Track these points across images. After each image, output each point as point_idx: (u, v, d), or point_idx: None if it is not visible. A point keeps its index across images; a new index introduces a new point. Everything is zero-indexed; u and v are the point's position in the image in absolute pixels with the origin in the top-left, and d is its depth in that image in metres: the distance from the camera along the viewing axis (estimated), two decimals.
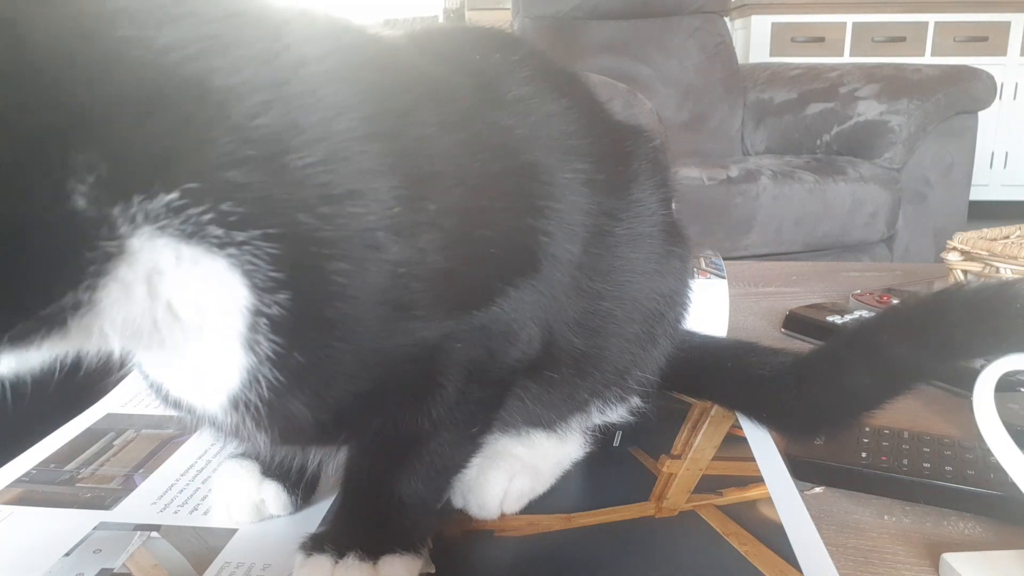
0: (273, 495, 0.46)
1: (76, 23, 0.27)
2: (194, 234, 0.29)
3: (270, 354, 0.32)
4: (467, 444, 0.43)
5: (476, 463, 0.47)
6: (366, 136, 0.32)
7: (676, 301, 0.53)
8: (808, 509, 0.47)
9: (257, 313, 0.31)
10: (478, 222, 0.36)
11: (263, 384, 0.33)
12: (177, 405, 0.39)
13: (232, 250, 0.30)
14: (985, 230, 0.79)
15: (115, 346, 0.32)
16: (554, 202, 0.41)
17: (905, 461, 0.49)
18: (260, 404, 0.34)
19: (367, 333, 0.34)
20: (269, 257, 0.30)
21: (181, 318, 0.31)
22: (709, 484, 0.50)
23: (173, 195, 0.28)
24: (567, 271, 0.43)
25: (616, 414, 0.55)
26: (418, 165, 0.34)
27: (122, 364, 0.35)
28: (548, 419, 0.49)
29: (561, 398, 0.48)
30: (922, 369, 0.48)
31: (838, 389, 0.51)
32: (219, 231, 0.29)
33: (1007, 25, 3.49)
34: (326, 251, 0.31)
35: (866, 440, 0.52)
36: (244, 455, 0.48)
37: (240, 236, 0.29)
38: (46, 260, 0.27)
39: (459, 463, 0.43)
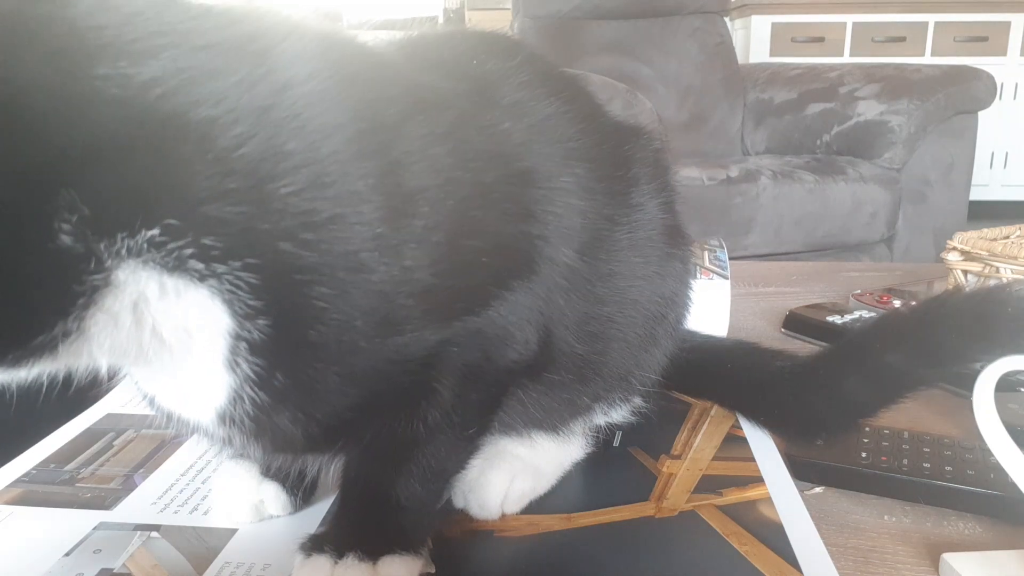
0: (272, 495, 0.46)
1: (56, 63, 0.26)
2: (176, 267, 0.29)
3: (251, 375, 0.33)
4: (465, 446, 0.43)
5: (477, 463, 0.47)
6: (352, 157, 0.32)
7: (677, 302, 0.53)
8: (808, 509, 0.47)
9: (237, 337, 0.32)
10: (469, 232, 0.36)
11: (247, 402, 0.34)
12: (169, 417, 0.39)
13: (213, 281, 0.30)
14: (985, 230, 0.79)
15: (103, 364, 0.32)
16: (550, 206, 0.41)
17: (905, 461, 0.49)
18: (247, 419, 0.34)
19: (353, 353, 0.33)
20: (248, 287, 0.30)
21: (166, 341, 0.31)
22: (709, 484, 0.50)
23: (154, 231, 0.28)
24: (563, 274, 0.43)
25: (619, 415, 0.55)
26: (405, 181, 0.34)
27: (112, 376, 0.36)
28: (550, 423, 0.49)
29: (563, 403, 0.48)
30: (918, 376, 0.48)
31: (835, 396, 0.51)
32: (200, 265, 0.29)
33: (1007, 25, 3.49)
34: (307, 277, 0.31)
35: (866, 440, 0.52)
36: (244, 456, 0.48)
37: (221, 268, 0.30)
38: (36, 294, 0.27)
39: (457, 465, 0.43)
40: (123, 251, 0.28)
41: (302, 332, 0.32)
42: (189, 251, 0.29)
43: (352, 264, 0.32)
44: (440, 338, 0.36)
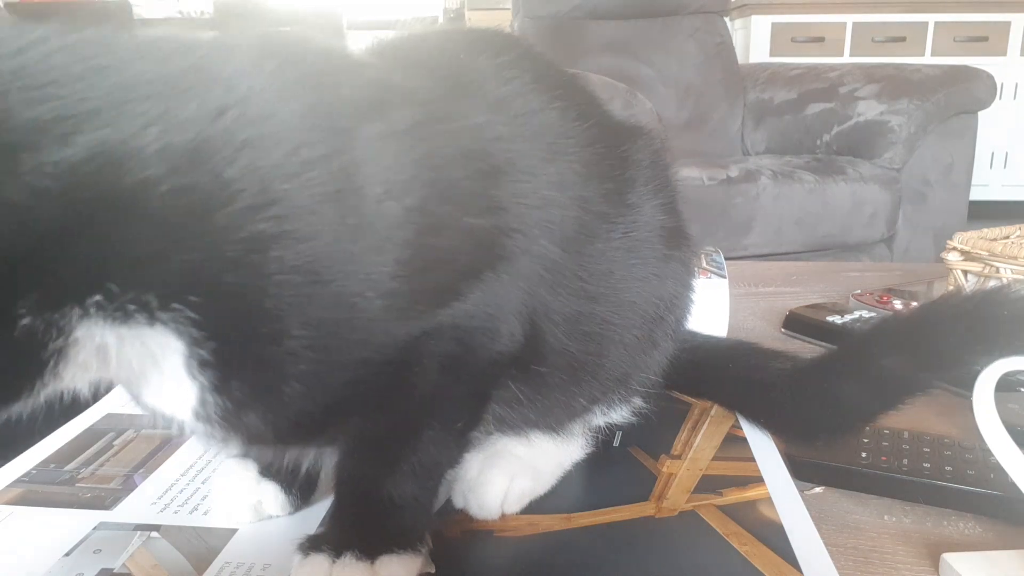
0: (271, 495, 0.46)
1: None
2: (125, 320, 0.30)
3: (209, 385, 0.33)
4: (456, 440, 0.42)
5: (476, 463, 0.47)
6: (298, 170, 0.31)
7: (677, 304, 0.53)
8: (808, 509, 0.47)
9: (191, 356, 0.32)
10: (433, 230, 0.35)
11: (213, 405, 0.34)
12: (155, 413, 0.39)
13: (159, 325, 0.31)
14: (985, 230, 0.79)
15: (83, 390, 0.34)
16: (526, 199, 0.41)
17: (905, 461, 0.49)
18: (217, 418, 0.35)
19: (315, 361, 0.33)
20: (193, 322, 0.31)
21: (135, 368, 0.33)
22: (709, 484, 0.50)
23: (98, 297, 0.29)
24: (546, 267, 0.42)
25: (618, 415, 0.55)
26: (360, 185, 0.33)
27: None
28: (546, 424, 0.49)
29: (558, 404, 0.48)
30: (916, 381, 0.48)
31: (834, 401, 0.51)
32: (144, 316, 0.30)
33: (1007, 25, 3.49)
34: (254, 299, 0.31)
35: (866, 440, 0.52)
36: (243, 455, 0.48)
37: (164, 315, 0.30)
38: (8, 374, 0.29)
39: (449, 460, 0.43)
40: (75, 317, 0.29)
41: (253, 349, 0.33)
42: (132, 307, 0.30)
43: (304, 278, 0.32)
44: (410, 335, 0.36)
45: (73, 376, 0.31)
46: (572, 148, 0.45)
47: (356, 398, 0.36)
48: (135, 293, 0.30)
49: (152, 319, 0.30)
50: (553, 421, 0.49)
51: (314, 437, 0.40)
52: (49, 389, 0.31)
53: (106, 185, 0.28)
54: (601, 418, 0.54)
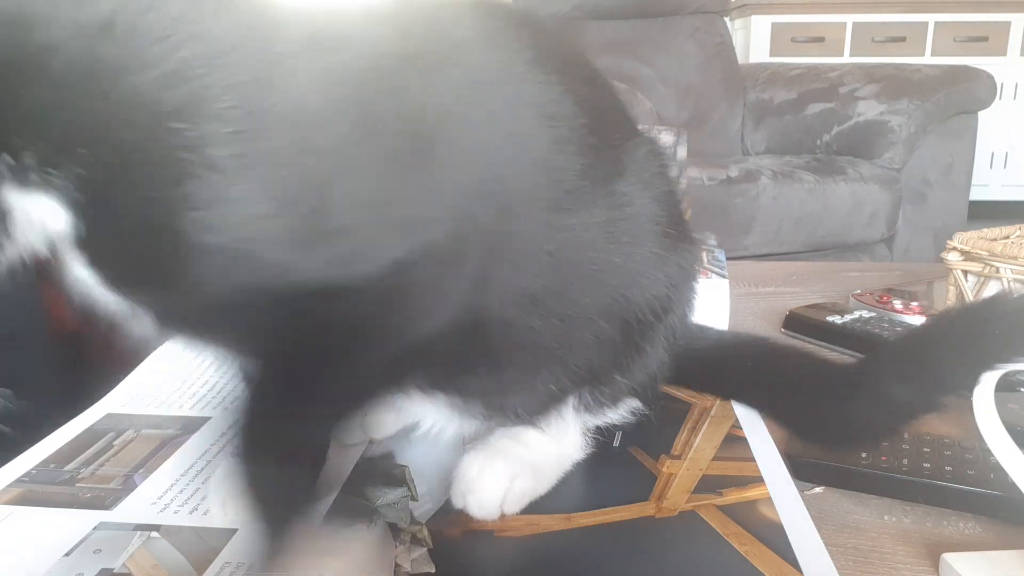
0: None
1: None
2: (37, 179, 0.32)
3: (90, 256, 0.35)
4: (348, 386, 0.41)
5: (477, 463, 0.47)
6: (217, 68, 0.32)
7: (670, 311, 0.52)
8: (808, 509, 0.47)
9: (76, 224, 0.34)
10: (348, 170, 0.35)
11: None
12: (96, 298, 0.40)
13: (55, 189, 0.33)
14: (985, 230, 0.79)
15: (40, 248, 0.35)
16: (473, 167, 0.40)
17: (905, 461, 0.49)
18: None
19: (197, 249, 0.34)
20: (74, 201, 0.33)
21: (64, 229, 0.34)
22: (709, 484, 0.50)
23: (6, 154, 0.31)
24: (503, 231, 0.42)
25: (615, 415, 0.55)
26: (275, 103, 0.33)
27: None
28: (511, 407, 0.49)
29: (519, 383, 0.48)
30: (922, 404, 0.48)
31: (843, 421, 0.51)
32: (38, 179, 0.32)
33: (1007, 25, 3.49)
34: (146, 170, 0.32)
35: None
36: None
37: (57, 179, 0.32)
38: None
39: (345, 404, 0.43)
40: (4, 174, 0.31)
41: (140, 223, 0.33)
42: (37, 165, 0.32)
43: (198, 158, 0.32)
44: (323, 274, 0.35)
45: (26, 235, 0.34)
46: (548, 122, 0.44)
47: (258, 311, 0.36)
48: (37, 151, 0.31)
49: (49, 184, 0.32)
50: (520, 405, 0.49)
51: (228, 336, 0.40)
52: (7, 250, 0.33)
53: (12, 45, 0.30)
54: (597, 418, 0.54)
